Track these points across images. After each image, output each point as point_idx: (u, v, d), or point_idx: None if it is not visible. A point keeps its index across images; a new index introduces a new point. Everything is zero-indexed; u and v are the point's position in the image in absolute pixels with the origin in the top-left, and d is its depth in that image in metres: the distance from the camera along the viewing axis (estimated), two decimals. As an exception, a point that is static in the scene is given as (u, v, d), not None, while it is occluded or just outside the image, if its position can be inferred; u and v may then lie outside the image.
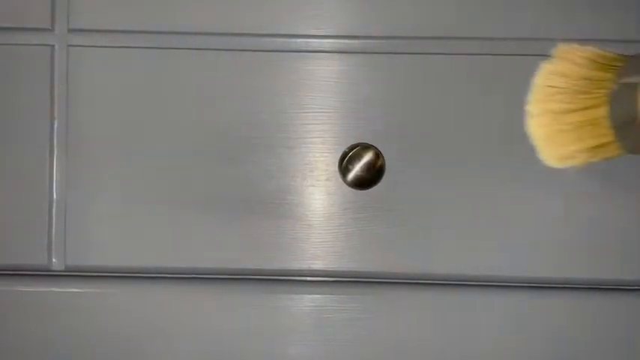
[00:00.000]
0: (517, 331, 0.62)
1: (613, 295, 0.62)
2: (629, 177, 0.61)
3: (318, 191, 0.62)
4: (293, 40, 0.61)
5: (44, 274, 0.63)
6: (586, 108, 0.50)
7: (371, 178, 0.61)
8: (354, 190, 0.61)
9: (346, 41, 0.61)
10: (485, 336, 0.62)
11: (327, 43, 0.61)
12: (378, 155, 0.60)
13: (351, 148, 0.61)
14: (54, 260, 0.63)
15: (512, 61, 0.61)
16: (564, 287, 0.62)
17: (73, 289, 0.62)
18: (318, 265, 0.62)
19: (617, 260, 0.62)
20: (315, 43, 0.61)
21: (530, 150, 0.59)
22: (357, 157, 0.60)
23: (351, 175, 0.60)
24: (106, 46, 0.62)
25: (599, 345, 0.62)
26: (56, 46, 0.61)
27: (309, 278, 0.63)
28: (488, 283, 0.62)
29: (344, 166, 0.61)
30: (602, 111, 0.49)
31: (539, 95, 0.52)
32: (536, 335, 0.62)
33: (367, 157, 0.60)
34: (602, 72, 0.50)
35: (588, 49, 0.52)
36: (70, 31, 0.61)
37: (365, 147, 0.61)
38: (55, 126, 0.62)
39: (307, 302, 0.62)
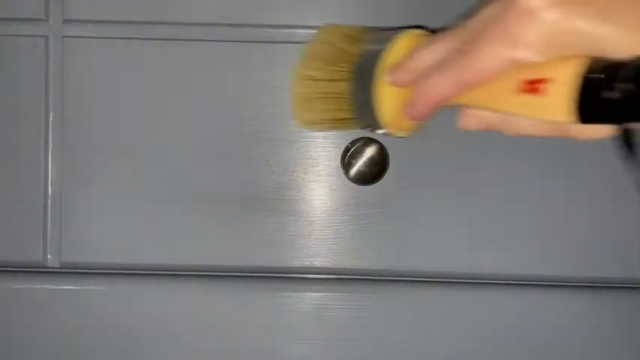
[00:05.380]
0: (518, 329, 0.61)
1: (609, 293, 0.61)
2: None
3: (320, 187, 0.61)
4: (294, 30, 0.60)
5: (39, 270, 0.62)
6: (332, 80, 0.51)
7: (374, 173, 0.60)
8: (356, 185, 0.61)
9: (349, 33, 0.60)
10: (488, 333, 0.61)
11: (329, 35, 0.60)
12: (381, 150, 0.59)
13: (354, 142, 0.60)
14: (49, 257, 0.61)
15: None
16: (564, 285, 0.61)
17: (68, 286, 0.61)
18: (319, 262, 0.61)
19: (614, 259, 0.61)
20: (317, 34, 0.60)
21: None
22: (360, 152, 0.59)
23: (353, 171, 0.59)
24: (101, 37, 0.60)
25: (595, 342, 0.61)
26: (51, 37, 0.60)
27: (310, 276, 0.62)
28: (492, 281, 0.62)
29: (346, 162, 0.60)
30: (345, 86, 0.50)
31: (303, 61, 0.53)
32: (538, 332, 0.61)
33: (370, 152, 0.59)
34: (351, 45, 0.51)
35: (344, 25, 0.53)
36: (65, 21, 0.60)
37: (368, 142, 0.60)
38: (50, 119, 0.61)
39: (309, 300, 0.61)
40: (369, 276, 0.62)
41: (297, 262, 0.61)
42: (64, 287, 0.61)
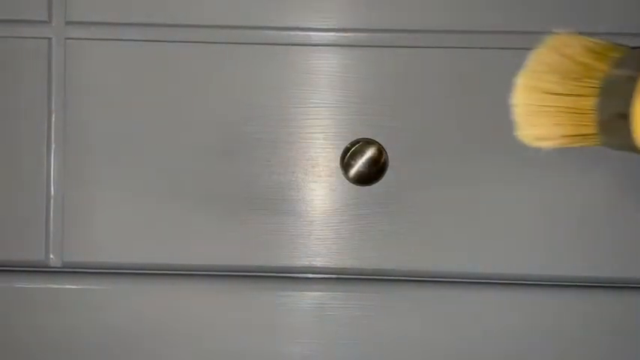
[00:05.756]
0: (519, 329, 0.61)
1: (611, 292, 0.61)
2: (631, 176, 0.60)
3: (320, 187, 0.61)
4: (295, 33, 0.60)
5: (41, 270, 0.62)
6: (574, 95, 0.49)
7: (373, 174, 0.60)
8: (356, 186, 0.61)
9: (349, 34, 0.60)
10: (488, 333, 0.61)
11: (330, 37, 0.60)
12: (380, 151, 0.59)
13: (354, 143, 0.60)
14: (51, 257, 0.62)
15: (518, 54, 0.59)
16: (564, 285, 0.61)
17: (70, 285, 0.62)
18: (319, 262, 0.62)
19: (614, 259, 0.61)
20: (317, 36, 0.60)
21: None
22: (360, 152, 0.59)
23: (353, 171, 0.60)
24: (104, 39, 0.61)
25: (595, 342, 0.61)
26: (53, 39, 0.61)
27: (310, 275, 0.62)
28: (491, 281, 0.61)
29: (346, 162, 0.60)
30: (590, 102, 0.48)
31: (531, 71, 0.51)
32: (538, 332, 0.61)
33: (370, 152, 0.59)
34: (597, 61, 0.49)
35: (585, 37, 0.51)
36: (68, 23, 0.61)
37: (367, 142, 0.60)
38: (53, 120, 0.61)
39: (309, 300, 0.61)
40: (369, 276, 0.62)
41: (297, 262, 0.62)
42: (66, 286, 0.62)
